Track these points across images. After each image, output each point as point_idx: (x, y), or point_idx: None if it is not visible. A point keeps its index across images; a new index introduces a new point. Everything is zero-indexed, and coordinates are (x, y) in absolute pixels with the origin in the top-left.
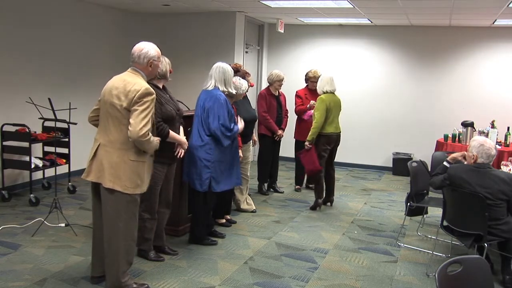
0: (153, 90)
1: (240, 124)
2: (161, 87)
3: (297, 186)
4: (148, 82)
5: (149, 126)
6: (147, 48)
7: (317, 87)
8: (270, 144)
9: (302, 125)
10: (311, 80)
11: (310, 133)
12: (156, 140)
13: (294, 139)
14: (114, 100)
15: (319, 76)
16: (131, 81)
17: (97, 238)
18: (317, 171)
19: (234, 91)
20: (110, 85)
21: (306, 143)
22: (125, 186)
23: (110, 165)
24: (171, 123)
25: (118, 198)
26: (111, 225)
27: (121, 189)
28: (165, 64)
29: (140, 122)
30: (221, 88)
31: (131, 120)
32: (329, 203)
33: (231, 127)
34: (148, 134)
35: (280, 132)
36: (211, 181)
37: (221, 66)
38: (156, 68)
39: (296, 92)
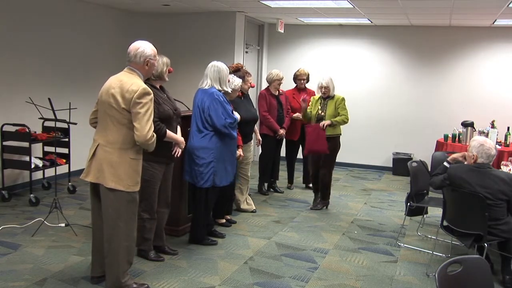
0: (150, 90)
1: (237, 115)
2: (158, 87)
3: (289, 184)
4: (145, 82)
5: (152, 127)
6: (143, 47)
7: (330, 89)
8: (272, 144)
9: (292, 125)
10: (298, 78)
11: (337, 119)
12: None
13: (284, 139)
14: (111, 100)
15: (306, 74)
16: (128, 81)
17: (96, 238)
18: (321, 152)
19: (229, 90)
20: (107, 85)
21: (328, 122)
22: (127, 185)
23: (111, 165)
24: (168, 123)
25: (119, 198)
26: (111, 225)
27: (123, 188)
28: (160, 64)
29: (145, 126)
30: (217, 87)
31: (136, 124)
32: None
33: (234, 119)
34: (153, 135)
35: (281, 131)
36: (214, 178)
37: (216, 65)
38: (152, 67)
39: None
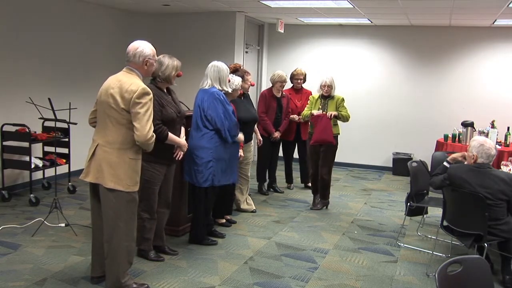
0: (149, 90)
1: (241, 135)
2: (164, 89)
3: (288, 184)
4: (151, 83)
5: (152, 127)
6: (142, 47)
7: (332, 88)
8: (267, 145)
9: (288, 125)
10: (295, 78)
11: (342, 113)
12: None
13: (280, 139)
14: (110, 101)
15: (303, 74)
16: (127, 81)
17: (96, 238)
18: (328, 142)
19: (230, 90)
20: (106, 85)
21: (335, 112)
22: (127, 185)
23: (110, 165)
24: (171, 125)
25: (119, 198)
26: (111, 225)
27: (123, 188)
28: (170, 68)
29: (146, 125)
30: (217, 86)
31: (136, 124)
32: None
33: (235, 122)
34: (153, 135)
35: (276, 134)
36: (213, 177)
37: (216, 65)
38: (151, 66)
39: None
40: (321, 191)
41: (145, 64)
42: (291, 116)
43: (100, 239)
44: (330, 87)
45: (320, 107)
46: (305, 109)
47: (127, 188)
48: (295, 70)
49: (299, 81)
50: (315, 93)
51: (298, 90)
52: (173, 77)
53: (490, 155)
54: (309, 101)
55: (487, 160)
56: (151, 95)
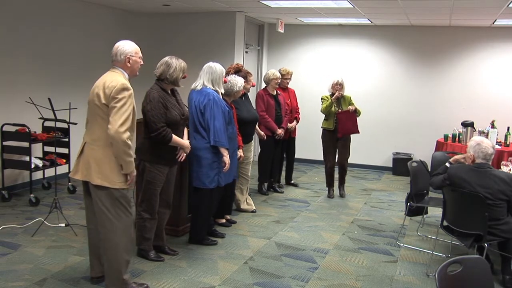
0: (129, 86)
1: (225, 155)
2: (168, 91)
3: (287, 182)
4: (157, 84)
5: (128, 124)
6: (122, 45)
7: (343, 87)
8: (270, 144)
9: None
10: (284, 77)
11: (357, 109)
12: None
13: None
14: (95, 99)
15: (290, 73)
16: (109, 79)
17: (92, 238)
18: (354, 133)
19: (222, 91)
20: (94, 85)
21: (353, 107)
22: (113, 181)
23: (96, 162)
24: (175, 128)
25: (107, 195)
26: (105, 223)
27: (109, 185)
28: (177, 70)
29: (119, 119)
30: (209, 87)
31: (110, 118)
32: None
33: (224, 134)
34: (127, 133)
35: (280, 131)
36: (218, 178)
37: (210, 66)
38: (135, 64)
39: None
40: (342, 179)
41: (128, 62)
42: (289, 125)
43: (96, 238)
44: (341, 85)
45: (335, 105)
46: (322, 104)
47: (114, 184)
48: (283, 70)
49: (287, 80)
50: (325, 93)
51: (284, 89)
52: (179, 80)
53: (487, 154)
54: (323, 100)
55: (484, 159)
56: (131, 91)
